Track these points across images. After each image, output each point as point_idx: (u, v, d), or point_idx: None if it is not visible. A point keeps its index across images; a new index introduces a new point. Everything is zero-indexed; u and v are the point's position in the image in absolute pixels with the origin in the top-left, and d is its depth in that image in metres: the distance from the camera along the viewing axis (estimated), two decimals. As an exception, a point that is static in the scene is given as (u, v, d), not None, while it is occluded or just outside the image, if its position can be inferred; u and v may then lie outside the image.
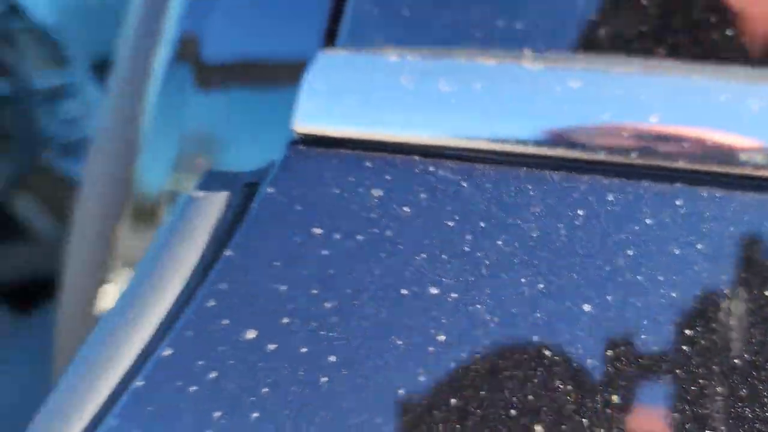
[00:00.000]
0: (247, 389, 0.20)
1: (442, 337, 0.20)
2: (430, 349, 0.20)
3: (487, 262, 0.21)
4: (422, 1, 0.25)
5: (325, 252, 0.22)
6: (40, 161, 1.01)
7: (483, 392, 0.20)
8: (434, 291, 0.21)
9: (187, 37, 0.31)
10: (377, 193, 0.22)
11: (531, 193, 0.22)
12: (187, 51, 0.31)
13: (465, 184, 0.22)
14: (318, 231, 0.22)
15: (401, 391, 0.20)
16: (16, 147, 0.96)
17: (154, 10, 0.34)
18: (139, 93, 0.35)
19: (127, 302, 0.23)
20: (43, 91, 1.14)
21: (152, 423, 0.21)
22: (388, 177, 0.23)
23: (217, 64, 0.32)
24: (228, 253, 0.22)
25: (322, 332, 0.21)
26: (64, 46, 1.28)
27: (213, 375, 0.20)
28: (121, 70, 0.37)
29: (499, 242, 0.21)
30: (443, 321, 0.20)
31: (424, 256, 0.21)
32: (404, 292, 0.21)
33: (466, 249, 0.21)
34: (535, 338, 0.20)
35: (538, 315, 0.21)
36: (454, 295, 0.21)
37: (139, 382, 0.21)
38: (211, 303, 0.22)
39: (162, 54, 0.33)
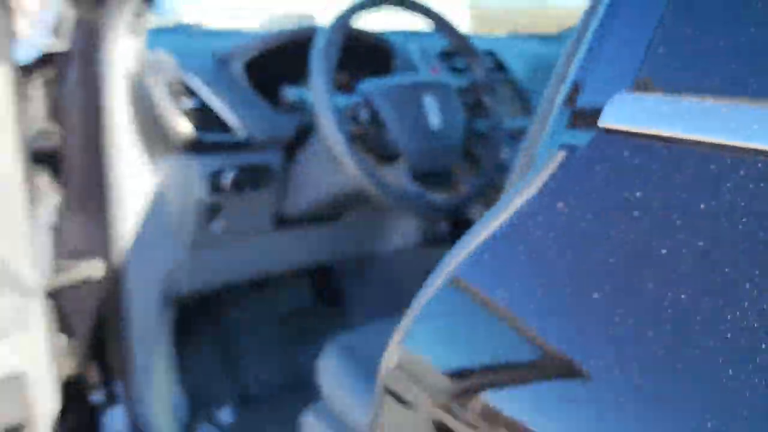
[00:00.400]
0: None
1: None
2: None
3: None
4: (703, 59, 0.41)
5: (605, 182, 0.43)
6: (497, 182, 1.29)
7: None
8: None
9: (573, 84, 0.48)
10: (638, 160, 0.41)
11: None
12: (570, 96, 0.48)
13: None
14: (599, 168, 0.44)
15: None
16: (483, 171, 1.25)
17: (566, 62, 0.51)
18: (542, 128, 0.53)
19: (513, 192, 0.49)
20: (510, 131, 1.43)
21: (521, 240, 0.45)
22: (648, 152, 0.41)
23: (582, 108, 0.49)
24: (561, 175, 0.45)
25: (598, 214, 0.42)
26: (530, 97, 1.57)
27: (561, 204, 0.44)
28: (539, 109, 0.55)
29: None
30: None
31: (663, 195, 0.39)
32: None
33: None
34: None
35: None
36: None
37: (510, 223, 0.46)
38: (551, 185, 0.45)
39: (558, 97, 0.50)
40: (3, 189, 1.01)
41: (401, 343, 0.51)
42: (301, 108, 1.26)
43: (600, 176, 0.43)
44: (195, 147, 1.21)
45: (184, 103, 1.20)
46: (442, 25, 1.26)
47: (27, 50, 1.16)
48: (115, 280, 1.25)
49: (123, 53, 1.17)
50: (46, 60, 1.17)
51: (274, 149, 1.29)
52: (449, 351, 0.47)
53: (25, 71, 1.14)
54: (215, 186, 1.24)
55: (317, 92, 1.05)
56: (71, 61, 1.17)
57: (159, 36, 1.34)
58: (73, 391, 1.24)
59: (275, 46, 1.30)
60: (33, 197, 1.12)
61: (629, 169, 0.42)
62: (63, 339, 1.26)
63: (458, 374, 0.46)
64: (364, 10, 1.13)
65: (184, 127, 1.18)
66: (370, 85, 1.15)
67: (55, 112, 1.20)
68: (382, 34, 1.44)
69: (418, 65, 1.49)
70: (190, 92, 1.22)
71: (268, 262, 1.47)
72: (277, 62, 1.31)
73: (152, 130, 1.20)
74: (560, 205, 0.44)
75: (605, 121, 0.44)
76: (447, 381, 0.46)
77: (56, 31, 1.17)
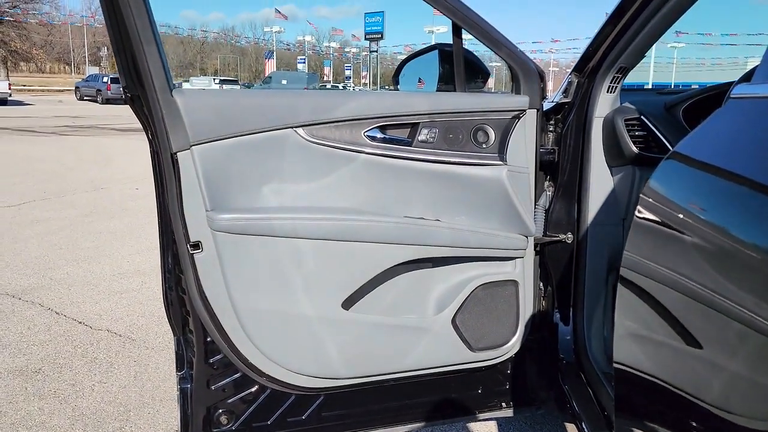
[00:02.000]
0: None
1: None
2: None
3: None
4: None
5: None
6: None
7: None
8: None
9: None
10: None
11: None
12: None
13: None
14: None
15: None
16: None
17: None
18: None
19: None
20: None
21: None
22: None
23: None
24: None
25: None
26: None
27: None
28: None
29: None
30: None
31: None
32: None
33: None
34: None
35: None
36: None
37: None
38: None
39: None
40: (523, 181, 1.83)
41: None
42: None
43: None
44: (639, 160, 1.84)
45: (636, 133, 1.84)
46: None
47: (547, 103, 1.99)
48: (578, 246, 1.96)
49: (602, 104, 1.89)
50: (558, 108, 1.98)
51: None
52: None
53: (546, 114, 1.97)
54: None
55: None
56: (572, 108, 1.95)
57: (629, 93, 2.02)
58: (540, 307, 1.99)
59: (701, 95, 1.84)
60: (538, 188, 1.92)
61: None
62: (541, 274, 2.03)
63: None
64: None
65: (634, 148, 1.83)
66: None
67: (558, 139, 1.98)
68: None
69: None
70: (642, 127, 1.86)
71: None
72: (701, 105, 1.84)
73: (614, 150, 1.88)
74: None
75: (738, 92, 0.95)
76: None
77: (566, 91, 1.97)
